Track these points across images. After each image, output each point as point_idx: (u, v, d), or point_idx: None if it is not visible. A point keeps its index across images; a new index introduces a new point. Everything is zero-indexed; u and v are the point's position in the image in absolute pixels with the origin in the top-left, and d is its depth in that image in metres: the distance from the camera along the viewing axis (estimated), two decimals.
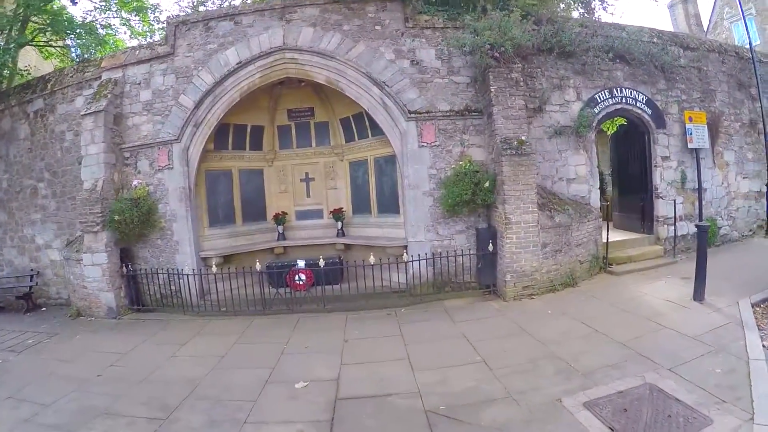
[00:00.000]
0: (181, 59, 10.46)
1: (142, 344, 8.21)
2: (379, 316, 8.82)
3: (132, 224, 10.02)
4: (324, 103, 11.93)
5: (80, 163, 10.75)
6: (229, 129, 11.59)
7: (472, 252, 9.59)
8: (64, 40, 15.91)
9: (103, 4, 17.03)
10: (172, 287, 9.99)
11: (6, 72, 13.71)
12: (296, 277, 10.34)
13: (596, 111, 10.72)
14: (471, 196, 9.26)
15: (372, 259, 9.17)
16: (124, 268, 10.21)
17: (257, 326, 8.79)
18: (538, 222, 9.12)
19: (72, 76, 11.86)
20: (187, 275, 9.74)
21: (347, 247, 11.84)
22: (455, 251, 9.54)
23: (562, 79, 10.58)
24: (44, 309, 11.89)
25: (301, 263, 10.44)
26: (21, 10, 13.45)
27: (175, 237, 10.49)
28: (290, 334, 8.07)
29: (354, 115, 11.49)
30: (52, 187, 12.08)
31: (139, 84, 10.75)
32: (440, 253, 9.69)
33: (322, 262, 9.29)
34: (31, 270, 12.41)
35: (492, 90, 9.36)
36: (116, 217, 9.93)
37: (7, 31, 13.45)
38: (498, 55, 9.24)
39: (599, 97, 10.79)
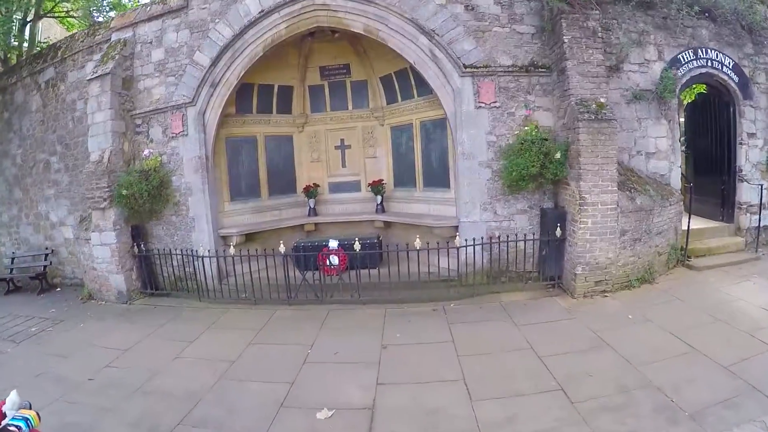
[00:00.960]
0: (196, 12, 9.21)
1: (146, 338, 7.23)
2: (425, 311, 7.49)
3: (142, 200, 9.02)
4: (361, 58, 10.44)
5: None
6: (253, 90, 10.34)
7: (535, 236, 8.18)
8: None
9: None
10: (188, 269, 8.97)
11: (15, 43, 13.19)
12: (327, 260, 9.08)
13: (680, 74, 8.86)
14: (539, 170, 7.72)
15: (418, 243, 7.77)
16: (136, 248, 9.33)
17: (279, 320, 7.65)
18: (617, 204, 7.58)
19: (82, 41, 10.91)
20: (202, 257, 8.61)
21: (387, 225, 10.53)
22: (515, 235, 8.19)
23: (642, 34, 8.72)
24: (59, 289, 11.30)
25: (333, 243, 9.15)
26: None
27: (191, 213, 9.46)
28: (316, 334, 6.84)
29: (397, 72, 10.01)
30: (64, 161, 11.32)
31: (151, 43, 9.65)
32: (498, 236, 8.25)
33: (357, 246, 7.89)
34: (46, 249, 11.80)
35: (565, 40, 7.71)
36: (124, 192, 8.94)
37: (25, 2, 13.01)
38: None
39: (683, 57, 8.90)
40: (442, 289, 8.17)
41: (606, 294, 7.56)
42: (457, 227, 8.61)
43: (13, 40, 13.12)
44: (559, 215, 8.00)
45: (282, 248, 8.16)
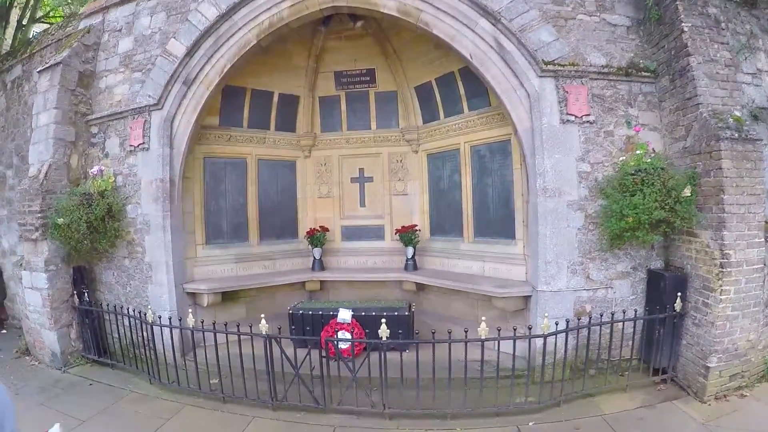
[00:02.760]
0: None
1: None
2: None
3: (79, 233, 6.70)
4: (391, 62, 8.22)
5: None
6: (245, 96, 8.14)
7: (637, 311, 5.81)
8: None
9: None
10: (143, 334, 6.38)
11: None
12: (336, 336, 6.48)
13: None
14: (667, 213, 5.27)
15: (484, 329, 5.06)
16: (76, 297, 7.12)
17: None
18: (765, 263, 5.39)
19: (53, 34, 9.07)
20: (152, 325, 6.08)
21: (420, 287, 7.99)
22: (612, 310, 5.95)
23: (750, 37, 6.52)
24: (4, 331, 9.52)
25: (345, 314, 6.64)
26: None
27: (147, 257, 7.11)
28: None
29: (439, 78, 7.80)
30: (19, 175, 9.21)
31: (120, 30, 7.68)
32: (588, 313, 5.86)
33: (384, 330, 5.19)
34: None
35: (684, 29, 5.64)
36: (60, 221, 6.74)
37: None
38: None
39: None
40: (505, 388, 5.44)
41: (744, 393, 5.41)
42: (528, 298, 6.13)
43: None
44: (677, 281, 5.67)
45: (264, 326, 5.51)
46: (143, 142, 7.07)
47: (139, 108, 7.14)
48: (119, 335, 6.83)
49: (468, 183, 7.63)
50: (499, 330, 5.31)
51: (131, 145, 7.20)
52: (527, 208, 6.32)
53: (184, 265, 7.28)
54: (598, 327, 5.63)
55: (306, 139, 8.76)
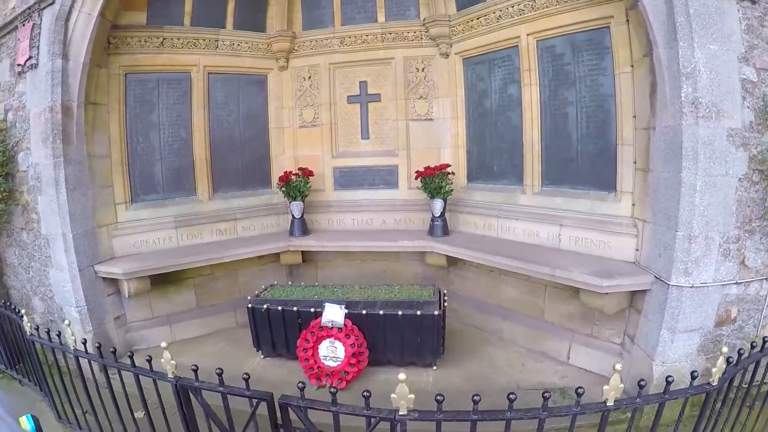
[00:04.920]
0: None
1: None
2: None
3: None
4: None
5: None
6: None
7: None
8: None
9: None
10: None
11: None
12: (322, 349, 4.33)
13: None
14: None
15: (612, 392, 2.50)
16: None
17: None
18: None
19: None
20: (32, 339, 4.03)
21: (452, 262, 5.68)
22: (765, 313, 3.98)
23: None
24: None
25: (334, 312, 4.39)
26: None
27: (44, 229, 5.04)
28: None
29: None
30: None
31: None
32: (733, 320, 3.86)
33: (403, 397, 2.50)
34: None
35: None
36: None
37: None
38: None
39: None
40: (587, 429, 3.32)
41: None
42: (637, 294, 4.00)
43: None
44: None
45: (169, 364, 3.01)
46: (31, 56, 4.78)
47: (29, 9, 4.81)
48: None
49: (533, 99, 5.03)
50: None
51: (18, 65, 4.96)
52: (647, 139, 3.87)
53: (94, 237, 5.05)
54: None
55: (281, 41, 6.17)
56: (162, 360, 2.95)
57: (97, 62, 5.05)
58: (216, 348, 5.28)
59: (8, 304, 4.84)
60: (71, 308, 4.84)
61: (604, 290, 3.81)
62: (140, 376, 3.18)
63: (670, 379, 2.56)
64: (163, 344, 2.97)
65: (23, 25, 4.91)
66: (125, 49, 5.38)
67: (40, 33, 4.79)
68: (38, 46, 4.79)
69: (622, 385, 2.48)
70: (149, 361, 3.07)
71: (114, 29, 5.15)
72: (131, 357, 3.15)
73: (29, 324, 4.09)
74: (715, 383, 2.68)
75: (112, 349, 3.32)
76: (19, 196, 5.26)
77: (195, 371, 2.92)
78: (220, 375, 2.75)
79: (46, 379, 4.25)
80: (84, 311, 4.80)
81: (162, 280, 5.35)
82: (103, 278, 5.05)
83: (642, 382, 2.51)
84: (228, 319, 5.80)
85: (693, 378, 2.66)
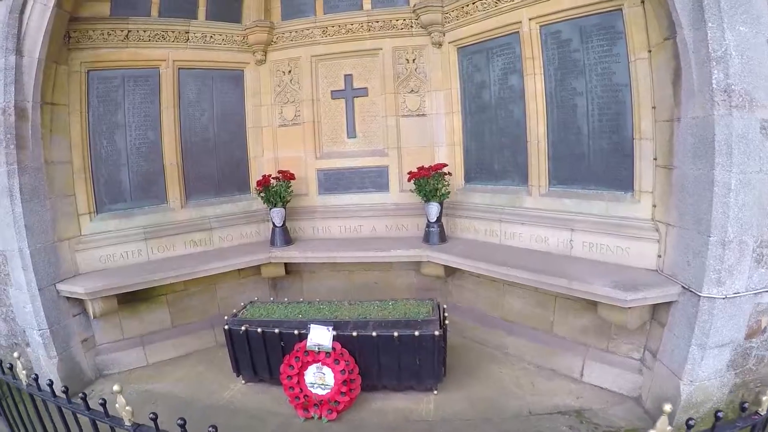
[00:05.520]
0: None
1: None
2: None
3: None
4: None
5: None
6: None
7: None
8: None
9: None
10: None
11: None
12: (308, 375, 3.92)
13: None
14: None
15: None
16: None
17: None
18: None
19: None
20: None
21: (450, 272, 5.29)
22: None
23: None
24: None
25: (321, 335, 3.98)
26: None
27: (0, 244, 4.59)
28: None
29: None
30: None
31: None
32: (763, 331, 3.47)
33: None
34: None
35: None
36: None
37: None
38: None
39: None
40: None
41: None
42: (661, 306, 3.64)
43: None
44: None
45: (124, 408, 3.15)
46: None
47: None
48: None
49: (538, 90, 4.65)
50: None
51: None
52: (670, 132, 3.51)
53: (55, 252, 4.62)
54: None
55: (258, 32, 5.75)
56: (117, 405, 2.54)
57: (55, 58, 4.64)
58: (193, 372, 4.84)
59: None
60: (33, 331, 4.42)
61: (628, 304, 3.42)
62: (96, 422, 2.77)
63: (719, 414, 2.20)
64: (116, 388, 2.52)
65: None
66: (87, 43, 4.95)
67: None
68: None
69: (670, 428, 2.10)
70: (103, 405, 2.65)
71: (74, 21, 4.75)
72: (84, 399, 2.72)
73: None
74: (764, 412, 2.33)
75: (63, 388, 2.90)
76: None
77: (154, 420, 2.49)
78: (182, 426, 2.33)
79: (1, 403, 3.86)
80: (47, 334, 4.38)
81: (131, 298, 4.93)
82: (67, 297, 4.62)
83: (691, 422, 2.13)
84: (206, 338, 5.35)
85: (743, 410, 2.30)
